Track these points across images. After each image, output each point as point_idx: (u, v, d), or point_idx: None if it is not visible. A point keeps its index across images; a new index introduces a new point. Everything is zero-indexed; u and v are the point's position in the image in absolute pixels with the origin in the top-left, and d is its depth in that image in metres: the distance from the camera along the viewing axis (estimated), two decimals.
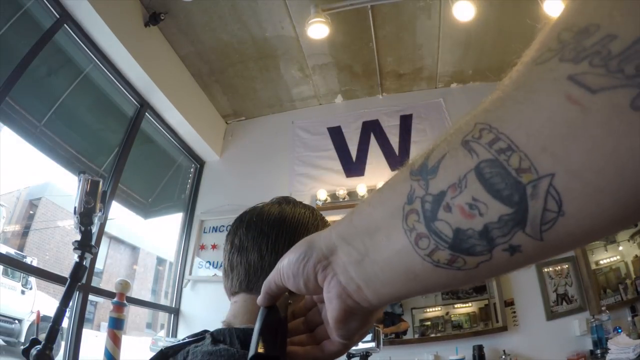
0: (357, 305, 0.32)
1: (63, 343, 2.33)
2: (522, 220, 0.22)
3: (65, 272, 1.58)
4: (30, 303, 5.15)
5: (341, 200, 3.21)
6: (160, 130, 3.33)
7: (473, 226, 0.23)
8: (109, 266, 9.56)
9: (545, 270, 2.78)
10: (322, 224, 0.63)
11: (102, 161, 2.84)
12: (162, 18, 2.78)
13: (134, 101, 3.01)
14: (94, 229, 1.61)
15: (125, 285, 2.01)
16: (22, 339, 4.76)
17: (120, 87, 2.87)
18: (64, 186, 8.16)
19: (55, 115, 2.53)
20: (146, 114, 3.09)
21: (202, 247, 3.33)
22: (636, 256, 2.64)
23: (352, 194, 3.22)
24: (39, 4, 2.28)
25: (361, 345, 1.89)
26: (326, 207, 3.15)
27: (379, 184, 2.85)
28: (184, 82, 3.34)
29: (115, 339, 1.87)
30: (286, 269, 0.35)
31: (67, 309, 1.44)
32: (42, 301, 5.17)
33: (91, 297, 2.42)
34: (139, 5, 2.78)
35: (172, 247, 3.54)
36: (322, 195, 3.24)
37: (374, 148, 3.41)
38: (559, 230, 0.21)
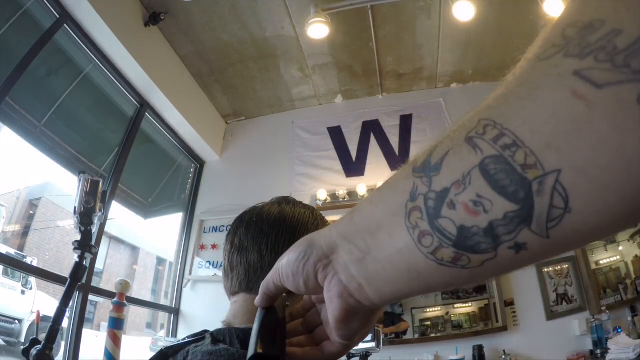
0: (358, 304, 0.31)
1: (63, 343, 2.33)
2: (528, 217, 0.21)
3: (65, 272, 1.58)
4: (30, 303, 5.15)
5: (341, 200, 3.21)
6: (160, 130, 3.33)
7: (478, 223, 0.23)
8: (109, 266, 9.56)
9: (545, 270, 2.78)
10: (322, 223, 0.63)
11: (102, 161, 2.84)
12: (162, 18, 2.78)
13: (134, 101, 3.01)
14: (94, 229, 1.61)
15: (125, 285, 2.01)
16: (22, 339, 4.76)
17: (120, 87, 2.87)
18: (64, 186, 8.17)
19: (55, 115, 2.53)
20: (146, 114, 3.09)
21: (202, 247, 3.33)
22: (636, 256, 2.64)
23: (352, 194, 3.22)
24: (39, 4, 2.28)
25: (361, 345, 1.89)
26: (326, 207, 3.15)
27: (379, 184, 2.84)
28: (184, 82, 3.34)
29: (115, 339, 1.87)
30: (285, 268, 0.35)
31: (67, 309, 1.44)
32: (42, 301, 5.17)
33: (91, 297, 2.42)
34: (139, 5, 2.78)
35: (172, 247, 3.54)
36: (322, 195, 3.24)
37: (374, 148, 3.41)
38: (566, 227, 0.21)
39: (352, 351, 1.95)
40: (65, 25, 2.39)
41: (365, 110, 3.58)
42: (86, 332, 2.43)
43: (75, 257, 1.47)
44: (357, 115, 3.58)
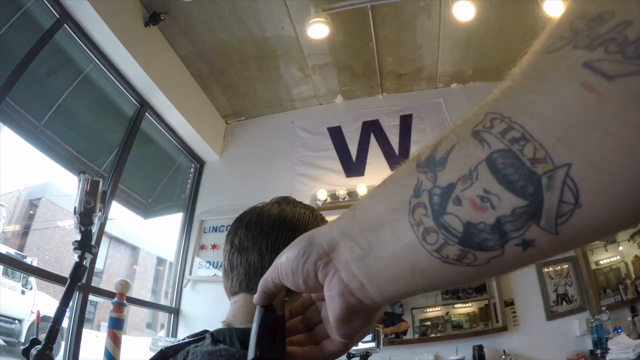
0: (359, 303, 0.31)
1: (63, 343, 2.33)
2: (537, 213, 0.21)
3: (65, 272, 1.58)
4: (30, 303, 5.15)
5: (341, 200, 3.21)
6: (160, 130, 3.33)
7: (485, 220, 0.22)
8: (109, 266, 9.56)
9: (545, 270, 2.78)
10: (322, 224, 0.62)
11: (102, 161, 2.84)
12: (162, 18, 2.78)
13: (134, 101, 3.01)
14: (94, 229, 1.61)
15: (125, 285, 2.01)
16: (22, 339, 4.76)
17: (120, 87, 2.87)
18: (64, 186, 8.17)
19: (55, 115, 2.53)
20: (146, 114, 3.09)
21: (202, 247, 3.33)
22: (636, 256, 2.64)
23: (352, 194, 3.22)
24: (39, 4, 2.28)
25: (361, 345, 1.89)
26: (326, 207, 3.15)
27: None
28: (184, 82, 3.34)
29: (115, 339, 1.87)
30: (284, 266, 0.34)
31: (67, 309, 1.44)
32: (42, 301, 5.17)
33: (91, 297, 2.42)
34: (139, 5, 2.78)
35: (172, 247, 3.54)
36: (322, 195, 3.24)
37: (374, 148, 3.41)
38: (576, 223, 0.20)
39: (352, 351, 1.95)
40: (65, 25, 2.39)
41: (365, 110, 3.58)
42: (86, 332, 2.43)
43: (75, 257, 1.46)
44: (357, 115, 3.58)
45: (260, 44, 3.15)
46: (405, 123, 3.44)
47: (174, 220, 3.63)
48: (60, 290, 1.53)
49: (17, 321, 4.90)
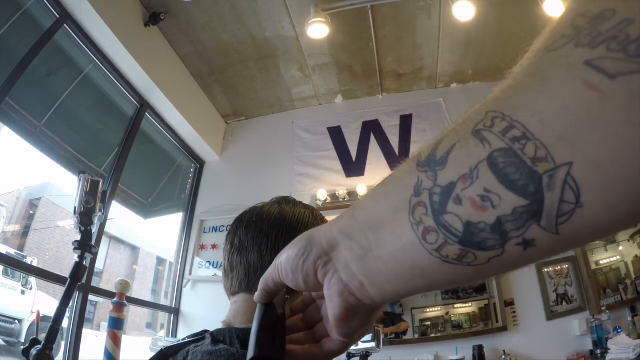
0: (359, 303, 0.31)
1: (63, 343, 2.33)
2: (538, 212, 0.21)
3: (65, 272, 1.58)
4: (31, 303, 5.15)
5: (341, 200, 3.21)
6: (160, 130, 3.33)
7: (485, 219, 0.22)
8: (109, 266, 9.56)
9: (545, 270, 2.78)
10: (322, 223, 0.62)
11: (102, 161, 2.84)
12: (162, 18, 2.78)
13: (134, 101, 3.01)
14: (94, 229, 1.61)
15: (125, 285, 2.01)
16: (22, 339, 4.76)
17: (120, 87, 2.87)
18: (64, 186, 8.17)
19: (55, 115, 2.53)
20: (146, 114, 3.09)
21: (202, 247, 3.33)
22: (636, 256, 2.64)
23: (352, 194, 3.22)
24: (39, 4, 2.28)
25: (361, 345, 1.89)
26: (326, 207, 3.15)
27: None
28: (184, 82, 3.34)
29: (115, 339, 1.87)
30: (285, 265, 0.34)
31: (67, 309, 1.44)
32: (42, 301, 5.17)
33: (91, 297, 2.42)
34: (139, 5, 2.78)
35: (172, 247, 3.54)
36: (322, 195, 3.25)
37: (374, 148, 3.41)
38: (576, 223, 0.20)
39: (352, 351, 1.95)
40: (65, 25, 2.39)
41: (365, 110, 3.58)
42: (86, 332, 2.43)
43: (75, 257, 1.46)
44: (357, 115, 3.58)
45: (260, 44, 3.15)
46: (405, 123, 3.44)
47: (174, 220, 3.64)
48: (60, 290, 1.53)
49: (17, 321, 4.90)
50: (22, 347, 1.37)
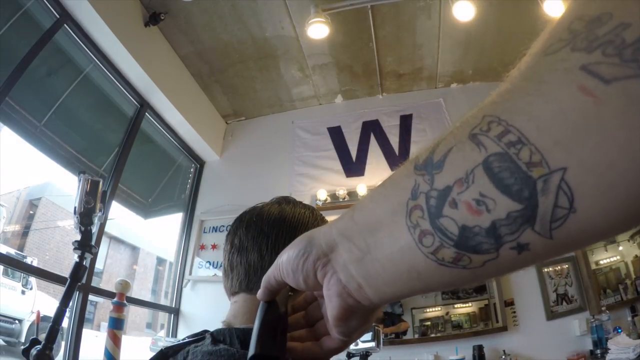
0: (357, 304, 0.31)
1: (63, 343, 2.33)
2: (532, 217, 0.21)
3: (65, 272, 1.58)
4: (31, 303, 5.15)
5: (341, 200, 3.21)
6: (160, 130, 3.33)
7: (480, 223, 0.22)
8: (109, 266, 9.56)
9: (545, 270, 2.78)
10: (322, 223, 0.62)
11: (102, 161, 2.84)
12: (162, 18, 2.78)
13: (134, 101, 3.01)
14: (94, 229, 1.61)
15: (125, 285, 2.01)
16: (22, 339, 4.76)
17: (120, 87, 2.87)
18: (64, 186, 8.17)
19: (55, 115, 2.53)
20: (146, 114, 3.09)
21: (202, 247, 3.33)
22: (636, 256, 2.64)
23: (352, 194, 3.22)
24: (39, 4, 2.28)
25: (361, 345, 1.89)
26: (326, 207, 3.15)
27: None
28: (184, 82, 3.34)
29: (115, 339, 1.87)
30: (285, 264, 0.35)
31: (67, 309, 1.44)
32: (42, 301, 5.17)
33: (91, 297, 2.42)
34: (139, 5, 2.78)
35: (172, 247, 3.54)
36: (322, 195, 3.25)
37: (374, 148, 3.41)
38: (570, 228, 0.20)
39: (352, 351, 1.95)
40: (65, 25, 2.39)
41: (365, 110, 3.58)
42: (86, 332, 2.43)
43: (75, 257, 1.46)
44: (357, 115, 3.58)
45: (260, 44, 3.15)
46: (405, 123, 3.44)
47: (174, 220, 3.64)
48: (60, 290, 1.53)
49: (17, 321, 4.90)
50: (22, 347, 1.37)
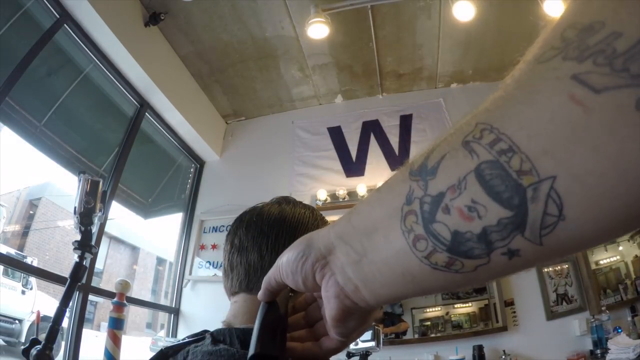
0: (354, 305, 0.32)
1: (63, 343, 2.33)
2: (522, 224, 0.21)
3: (65, 272, 1.58)
4: (31, 303, 5.15)
5: (341, 200, 3.21)
6: (160, 130, 3.33)
7: (471, 229, 0.23)
8: (109, 266, 9.56)
9: (545, 270, 2.78)
10: (322, 224, 0.62)
11: (102, 161, 2.85)
12: (162, 18, 2.78)
13: (134, 101, 3.01)
14: (94, 229, 1.61)
15: (125, 285, 2.01)
16: (23, 339, 4.76)
17: (120, 87, 2.87)
18: (64, 186, 8.17)
19: (55, 115, 2.53)
20: (146, 114, 3.09)
21: (202, 247, 3.33)
22: (636, 256, 2.64)
23: (352, 194, 3.22)
24: (39, 4, 2.28)
25: (361, 345, 1.89)
26: (326, 207, 3.15)
27: (379, 184, 2.84)
28: (184, 82, 3.34)
29: (115, 339, 1.87)
30: (285, 266, 0.35)
31: (67, 309, 1.44)
32: (42, 301, 5.17)
33: (91, 297, 2.42)
34: (139, 5, 2.78)
35: (172, 247, 3.54)
36: (322, 195, 3.24)
37: (374, 148, 3.41)
38: (559, 235, 0.21)
39: (352, 350, 1.95)
40: (65, 25, 2.39)
41: (365, 110, 3.58)
42: (86, 332, 2.43)
43: (75, 257, 1.46)
44: (357, 115, 3.58)
45: (260, 44, 3.15)
46: (405, 123, 3.44)
47: (174, 220, 3.64)
48: (60, 290, 1.53)
49: (17, 321, 4.90)
50: (22, 347, 1.37)
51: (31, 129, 2.34)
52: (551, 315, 2.67)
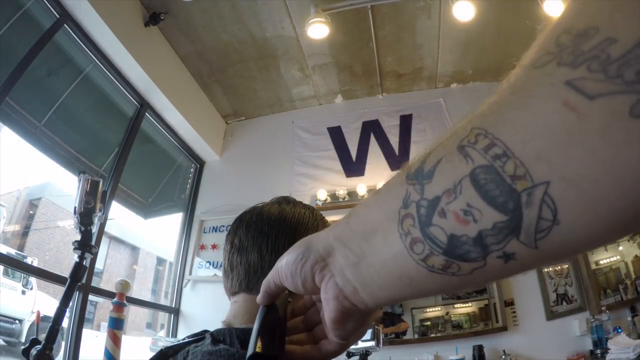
0: (353, 307, 0.32)
1: (63, 343, 2.33)
2: (517, 228, 0.21)
3: (65, 272, 1.58)
4: (31, 303, 5.15)
5: (341, 200, 3.21)
6: (160, 130, 3.33)
7: (467, 232, 0.23)
8: (109, 266, 9.56)
9: (545, 270, 2.77)
10: (322, 224, 0.63)
11: (102, 161, 2.85)
12: (162, 18, 2.78)
13: (134, 101, 3.01)
14: (94, 229, 1.61)
15: (125, 285, 2.01)
16: (23, 339, 4.76)
17: (120, 87, 2.87)
18: (64, 186, 8.17)
19: (55, 115, 2.53)
20: (146, 114, 3.09)
21: (202, 247, 3.33)
22: (636, 256, 2.64)
23: (352, 194, 3.22)
24: (39, 4, 2.28)
25: (361, 344, 1.89)
26: (326, 207, 3.15)
27: (379, 184, 2.85)
28: (184, 82, 3.34)
29: (115, 339, 1.87)
30: (284, 269, 0.36)
31: (67, 309, 1.44)
32: (43, 301, 5.17)
33: (91, 297, 2.42)
34: (139, 5, 2.78)
35: (172, 247, 3.54)
36: (322, 195, 3.24)
37: (374, 148, 3.41)
38: (554, 239, 0.21)
39: (351, 350, 1.95)
40: (65, 25, 2.39)
41: (365, 110, 3.58)
42: (86, 332, 2.43)
43: (75, 257, 1.46)
44: (357, 115, 3.58)
45: (260, 44, 3.15)
46: (405, 123, 3.44)
47: (174, 220, 3.64)
48: (60, 290, 1.53)
49: (17, 321, 4.90)
50: (22, 347, 1.37)
51: (31, 129, 2.34)
52: (551, 315, 2.67)
